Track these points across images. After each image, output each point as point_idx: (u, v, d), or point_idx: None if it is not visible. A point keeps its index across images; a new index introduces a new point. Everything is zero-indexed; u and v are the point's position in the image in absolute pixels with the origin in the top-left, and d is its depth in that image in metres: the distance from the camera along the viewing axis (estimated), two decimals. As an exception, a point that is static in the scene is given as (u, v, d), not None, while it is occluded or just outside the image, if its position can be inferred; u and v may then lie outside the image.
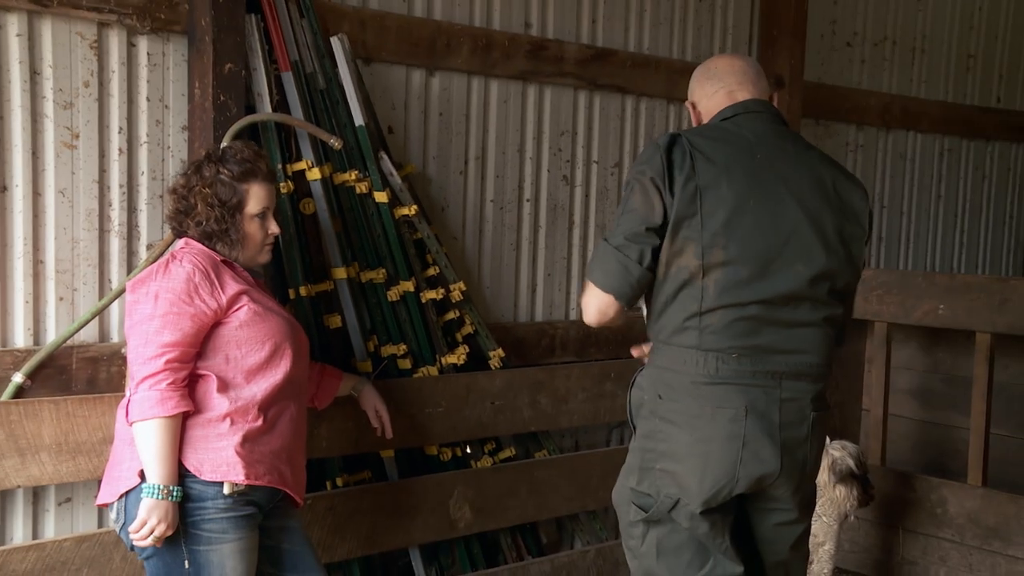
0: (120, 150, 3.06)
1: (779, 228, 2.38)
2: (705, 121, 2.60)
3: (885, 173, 5.44)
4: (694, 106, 2.64)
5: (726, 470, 2.38)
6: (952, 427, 4.36)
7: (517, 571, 3.70)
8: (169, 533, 2.40)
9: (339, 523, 3.25)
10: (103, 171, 3.03)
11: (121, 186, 3.06)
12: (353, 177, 3.33)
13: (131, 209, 3.09)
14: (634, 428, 2.57)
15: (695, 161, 2.36)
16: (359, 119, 3.38)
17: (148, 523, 2.38)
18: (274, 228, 2.67)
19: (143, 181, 3.10)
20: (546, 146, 4.09)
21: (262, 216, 2.64)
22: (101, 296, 3.03)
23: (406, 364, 3.43)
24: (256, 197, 2.62)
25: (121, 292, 2.94)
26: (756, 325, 2.38)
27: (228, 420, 2.48)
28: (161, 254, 2.88)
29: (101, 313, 3.01)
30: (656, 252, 2.37)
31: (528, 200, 4.06)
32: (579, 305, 2.53)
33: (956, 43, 5.69)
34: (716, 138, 2.45)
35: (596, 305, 2.42)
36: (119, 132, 3.05)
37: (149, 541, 2.39)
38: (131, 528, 2.40)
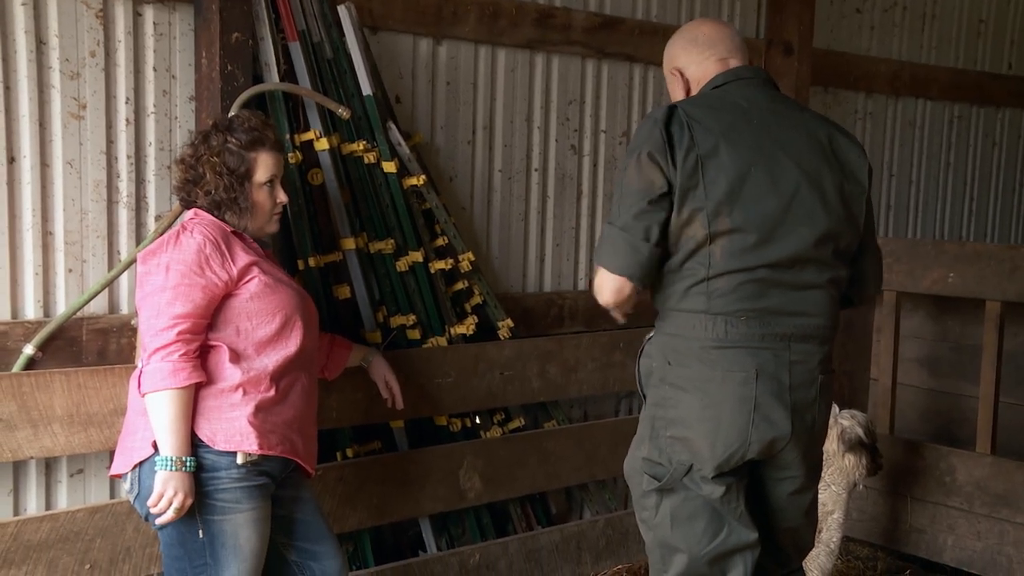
0: (127, 121, 3.04)
1: (781, 192, 2.37)
2: (694, 88, 2.58)
3: (894, 141, 5.40)
4: (681, 73, 2.59)
5: (738, 434, 2.38)
6: (961, 396, 4.36)
7: (527, 541, 3.71)
8: (188, 503, 2.41)
9: (350, 493, 3.26)
10: (110, 142, 3.02)
11: (129, 157, 3.05)
12: (361, 147, 3.31)
13: (139, 180, 3.08)
14: (644, 397, 2.56)
15: (693, 132, 2.34)
16: (367, 89, 3.36)
17: (165, 495, 2.39)
18: (282, 197, 2.67)
19: (151, 152, 3.09)
20: (554, 115, 4.07)
21: (270, 184, 2.63)
22: (110, 268, 3.03)
23: (415, 334, 3.43)
24: (264, 165, 2.61)
25: (131, 263, 2.93)
26: (763, 288, 2.37)
27: (241, 390, 2.48)
28: (170, 225, 2.87)
29: (110, 285, 3.01)
30: (664, 226, 2.35)
31: (536, 170, 4.04)
32: (591, 287, 2.50)
33: (967, 8, 5.62)
34: (710, 107, 2.43)
35: (610, 288, 2.40)
36: (126, 102, 3.04)
37: (170, 514, 2.40)
38: (149, 502, 2.41)
